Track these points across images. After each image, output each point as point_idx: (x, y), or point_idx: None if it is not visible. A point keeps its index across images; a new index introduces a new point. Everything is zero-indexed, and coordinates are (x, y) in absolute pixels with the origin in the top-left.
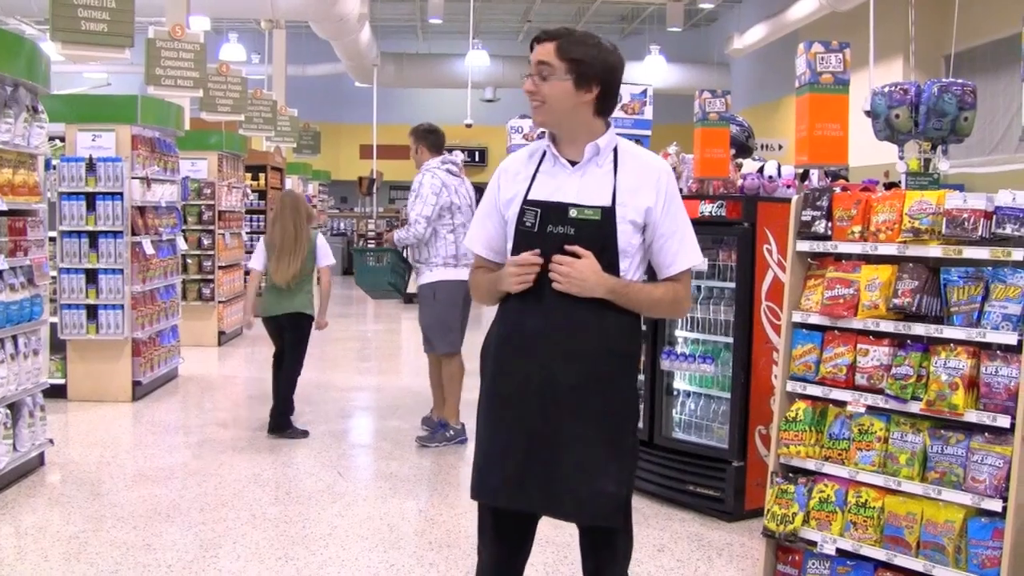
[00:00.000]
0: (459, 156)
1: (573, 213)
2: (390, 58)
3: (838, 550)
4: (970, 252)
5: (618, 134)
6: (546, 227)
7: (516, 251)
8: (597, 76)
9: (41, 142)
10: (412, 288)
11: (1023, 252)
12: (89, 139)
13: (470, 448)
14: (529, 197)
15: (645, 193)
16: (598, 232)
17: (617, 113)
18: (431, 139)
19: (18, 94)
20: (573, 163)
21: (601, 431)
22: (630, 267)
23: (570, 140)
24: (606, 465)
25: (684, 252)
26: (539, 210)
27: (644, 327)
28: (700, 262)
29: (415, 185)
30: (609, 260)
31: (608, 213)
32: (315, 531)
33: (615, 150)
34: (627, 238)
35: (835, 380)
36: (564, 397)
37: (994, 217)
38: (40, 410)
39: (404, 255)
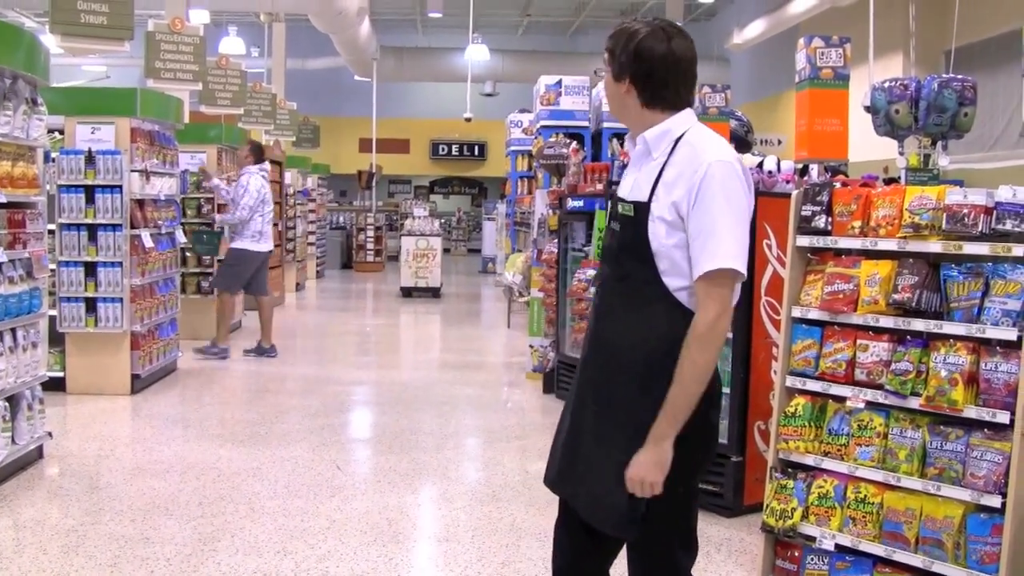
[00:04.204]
0: (267, 165)
1: (620, 208)
2: (390, 52)
3: (837, 545)
4: (970, 248)
5: (610, 128)
6: (611, 221)
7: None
8: (626, 65)
9: (40, 134)
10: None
11: (1023, 248)
12: (88, 132)
13: (472, 444)
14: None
15: (679, 187)
16: (632, 229)
17: None
18: (257, 154)
19: (17, 86)
20: None
21: (616, 440)
22: (670, 269)
23: (633, 134)
24: (616, 474)
25: (706, 255)
26: (611, 203)
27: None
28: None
29: (243, 182)
30: (642, 259)
31: (641, 209)
32: (314, 525)
33: (676, 141)
34: (659, 239)
35: (834, 375)
36: (593, 399)
37: (994, 213)
38: (39, 403)
39: (218, 230)
